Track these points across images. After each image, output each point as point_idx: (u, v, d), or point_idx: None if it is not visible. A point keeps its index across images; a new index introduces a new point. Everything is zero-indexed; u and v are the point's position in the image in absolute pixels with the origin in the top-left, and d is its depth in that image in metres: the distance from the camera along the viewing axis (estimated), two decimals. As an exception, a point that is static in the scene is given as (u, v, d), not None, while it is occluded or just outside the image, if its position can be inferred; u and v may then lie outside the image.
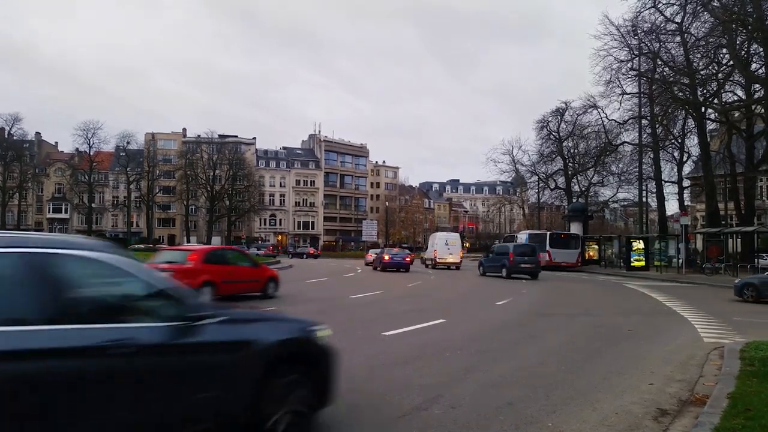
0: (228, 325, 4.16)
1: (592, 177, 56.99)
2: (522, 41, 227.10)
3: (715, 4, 31.95)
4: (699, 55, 35.63)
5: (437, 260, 39.68)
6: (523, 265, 29.25)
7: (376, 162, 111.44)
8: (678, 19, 35.35)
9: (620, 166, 52.93)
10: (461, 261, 41.04)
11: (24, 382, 3.02)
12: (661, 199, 46.40)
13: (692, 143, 45.12)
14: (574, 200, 55.70)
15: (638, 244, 37.99)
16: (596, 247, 44.95)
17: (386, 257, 36.11)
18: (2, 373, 2.94)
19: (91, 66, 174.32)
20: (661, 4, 34.84)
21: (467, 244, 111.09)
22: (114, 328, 3.49)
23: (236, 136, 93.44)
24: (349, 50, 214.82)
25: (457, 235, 46.81)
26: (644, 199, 49.28)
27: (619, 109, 66.71)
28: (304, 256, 68.32)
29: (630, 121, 43.60)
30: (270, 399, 4.20)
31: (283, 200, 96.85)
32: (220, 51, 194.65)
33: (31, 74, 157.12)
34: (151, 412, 3.61)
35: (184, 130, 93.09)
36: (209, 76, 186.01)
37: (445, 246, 40.21)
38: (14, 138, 76.20)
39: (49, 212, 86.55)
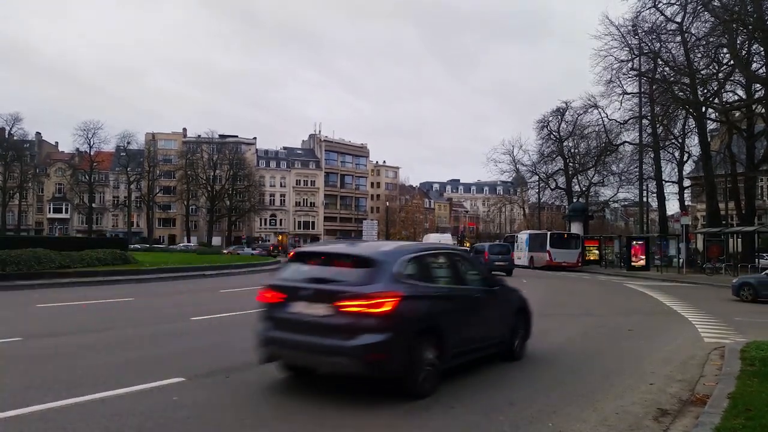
0: (503, 289, 8.19)
1: (593, 177, 56.94)
2: (522, 41, 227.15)
3: (715, 3, 31.88)
4: (699, 55, 35.58)
5: None
6: (497, 263, 31.82)
7: (377, 162, 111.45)
8: (678, 19, 35.30)
9: (621, 165, 52.93)
10: None
11: (464, 304, 7.00)
12: (661, 199, 46.36)
13: (693, 143, 45.14)
14: (575, 200, 55.66)
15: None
16: (597, 252, 44.72)
17: None
18: (458, 302, 6.92)
19: (91, 66, 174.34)
20: (661, 4, 34.79)
21: (467, 244, 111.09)
22: (472, 288, 7.43)
23: (236, 136, 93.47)
24: (349, 50, 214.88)
25: (449, 236, 49.65)
26: (645, 199, 49.22)
27: (619, 108, 66.75)
28: None
29: (630, 120, 43.56)
30: (515, 331, 8.02)
31: (284, 200, 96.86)
32: (219, 51, 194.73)
33: (31, 74, 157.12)
34: (488, 326, 7.50)
35: (185, 130, 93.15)
36: (209, 75, 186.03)
37: None
38: (15, 138, 76.22)
39: (49, 212, 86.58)
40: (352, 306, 5.66)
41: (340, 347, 5.60)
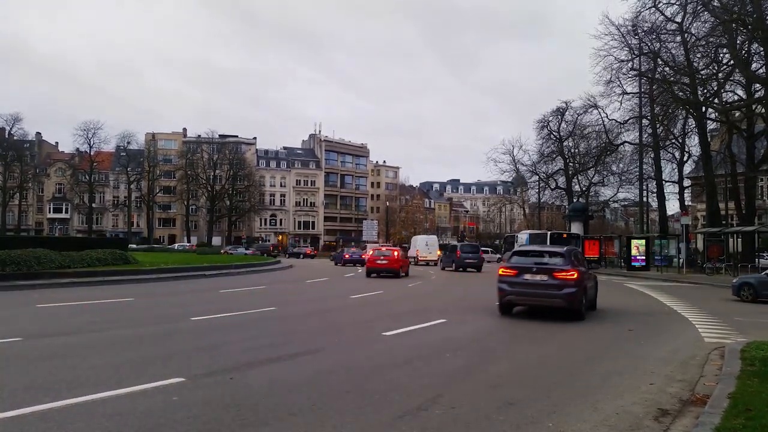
0: (591, 272, 14.85)
1: (593, 177, 56.93)
2: (523, 40, 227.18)
3: (715, 3, 31.88)
4: (699, 55, 35.58)
5: (419, 258, 47.67)
6: (467, 261, 36.60)
7: (377, 162, 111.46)
8: (678, 19, 35.29)
9: (621, 165, 52.93)
10: (439, 258, 47.10)
11: (587, 277, 13.51)
12: (661, 199, 46.35)
13: (693, 143, 45.17)
14: (575, 200, 55.63)
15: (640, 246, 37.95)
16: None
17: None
18: (586, 276, 13.39)
19: (91, 66, 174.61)
20: (661, 4, 34.79)
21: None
22: (587, 269, 14.08)
23: (237, 136, 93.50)
24: (349, 49, 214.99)
25: (434, 237, 56.34)
26: (645, 199, 49.23)
27: (619, 108, 66.72)
28: (301, 256, 68.08)
29: (630, 120, 43.58)
30: (595, 295, 14.51)
31: (284, 200, 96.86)
32: (219, 50, 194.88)
33: (31, 74, 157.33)
34: (592, 291, 13.85)
35: (185, 130, 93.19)
36: (209, 75, 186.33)
37: (425, 246, 49.15)
38: (15, 138, 76.30)
39: (49, 212, 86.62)
40: (561, 275, 12.06)
41: (556, 294, 12.08)
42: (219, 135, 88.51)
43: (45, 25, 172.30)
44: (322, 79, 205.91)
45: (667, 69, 38.20)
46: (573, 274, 12.01)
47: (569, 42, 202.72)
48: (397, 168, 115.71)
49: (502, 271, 12.90)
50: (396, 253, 29.71)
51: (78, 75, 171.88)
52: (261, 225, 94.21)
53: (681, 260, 34.99)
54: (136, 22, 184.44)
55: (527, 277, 12.32)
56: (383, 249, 31.81)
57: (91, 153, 78.46)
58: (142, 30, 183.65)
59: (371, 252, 31.93)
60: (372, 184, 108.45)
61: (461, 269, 36.24)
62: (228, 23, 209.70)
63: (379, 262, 28.76)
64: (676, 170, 47.20)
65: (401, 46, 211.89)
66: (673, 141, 45.44)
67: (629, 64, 38.76)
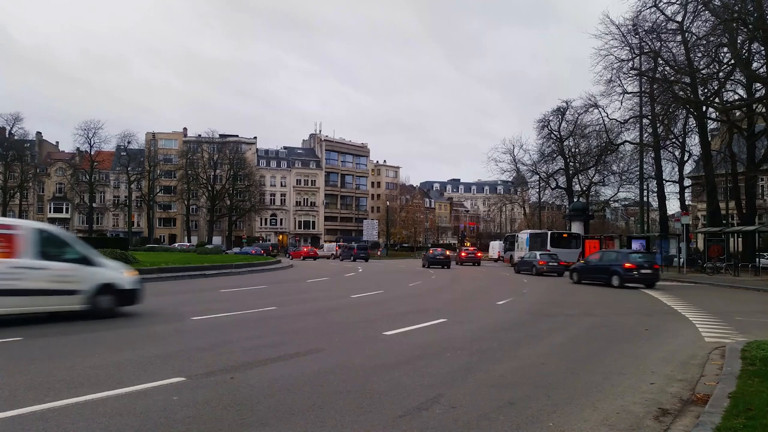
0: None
1: (593, 176, 56.95)
2: (527, 25, 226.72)
3: (716, 3, 31.82)
4: (700, 54, 35.51)
5: None
6: (360, 255, 54.13)
7: (377, 161, 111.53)
8: (679, 18, 35.24)
9: (621, 165, 52.99)
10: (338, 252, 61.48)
11: None
12: (662, 199, 46.36)
13: (693, 142, 45.20)
14: (575, 200, 55.65)
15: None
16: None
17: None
18: None
19: (75, 57, 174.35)
20: (662, 3, 34.69)
21: (467, 244, 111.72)
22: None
23: (237, 136, 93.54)
24: (346, 36, 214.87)
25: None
26: (645, 199, 49.23)
27: (620, 108, 66.82)
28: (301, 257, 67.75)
29: (631, 120, 43.51)
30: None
31: (284, 200, 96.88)
32: (209, 40, 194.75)
33: (29, 73, 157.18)
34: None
35: (185, 129, 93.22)
36: (201, 67, 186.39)
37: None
38: (15, 138, 76.36)
39: (50, 212, 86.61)
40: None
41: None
42: (219, 135, 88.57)
43: (44, 25, 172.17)
44: (318, 71, 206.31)
45: (667, 68, 38.12)
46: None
47: (574, 30, 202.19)
48: (398, 168, 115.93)
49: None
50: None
51: (63, 68, 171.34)
52: (261, 225, 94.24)
53: (681, 260, 35.00)
54: (121, 11, 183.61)
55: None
56: None
57: (92, 153, 78.52)
58: (126, 20, 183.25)
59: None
60: (372, 183, 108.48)
61: (356, 260, 51.55)
62: (215, 9, 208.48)
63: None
64: (676, 170, 47.32)
65: (400, 33, 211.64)
66: (674, 140, 45.45)
67: (630, 64, 38.70)
